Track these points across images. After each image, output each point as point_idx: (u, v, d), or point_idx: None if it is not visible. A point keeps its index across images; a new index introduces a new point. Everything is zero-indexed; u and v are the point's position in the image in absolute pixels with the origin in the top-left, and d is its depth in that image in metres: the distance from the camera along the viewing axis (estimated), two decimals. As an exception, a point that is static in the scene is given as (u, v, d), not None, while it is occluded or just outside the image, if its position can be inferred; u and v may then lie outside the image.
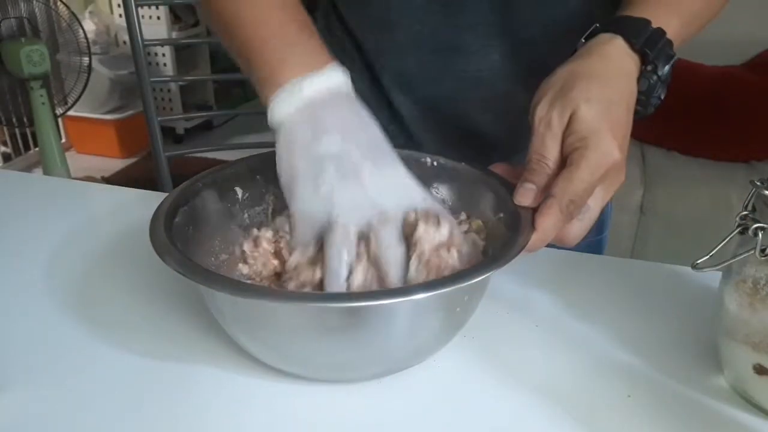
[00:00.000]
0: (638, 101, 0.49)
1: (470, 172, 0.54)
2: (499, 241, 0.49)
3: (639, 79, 0.49)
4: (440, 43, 0.63)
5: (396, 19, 0.63)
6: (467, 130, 0.67)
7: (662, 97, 0.50)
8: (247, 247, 0.51)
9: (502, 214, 0.49)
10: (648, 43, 0.49)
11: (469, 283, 0.39)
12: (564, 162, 0.45)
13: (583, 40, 0.51)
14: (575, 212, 0.45)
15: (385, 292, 0.42)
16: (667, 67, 0.49)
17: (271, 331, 0.42)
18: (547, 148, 0.46)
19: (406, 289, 0.41)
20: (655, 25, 0.49)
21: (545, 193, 0.45)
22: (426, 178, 0.53)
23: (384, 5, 0.63)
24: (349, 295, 0.42)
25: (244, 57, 0.51)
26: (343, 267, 0.43)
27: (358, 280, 0.43)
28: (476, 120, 0.67)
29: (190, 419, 0.42)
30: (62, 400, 0.43)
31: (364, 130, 0.48)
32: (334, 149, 0.46)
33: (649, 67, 0.49)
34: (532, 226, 0.44)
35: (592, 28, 0.52)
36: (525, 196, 0.46)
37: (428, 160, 0.56)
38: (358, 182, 0.46)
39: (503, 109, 0.66)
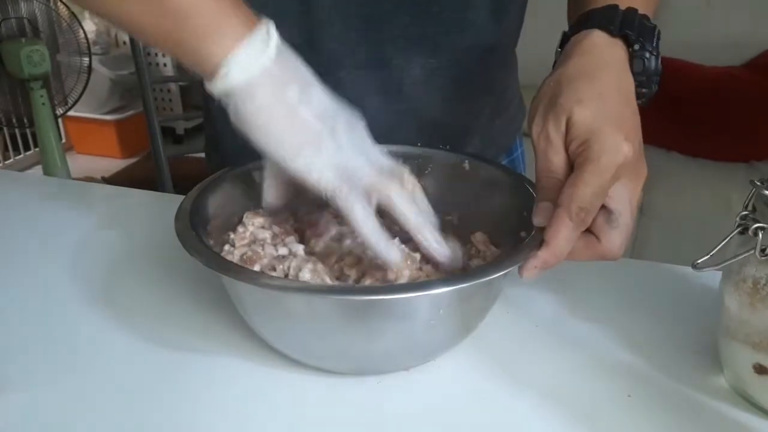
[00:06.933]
0: (640, 83, 0.47)
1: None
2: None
3: (632, 63, 0.47)
4: (360, 59, 0.60)
5: (312, 39, 0.59)
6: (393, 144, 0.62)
7: (660, 71, 0.48)
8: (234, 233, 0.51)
9: (524, 233, 0.48)
10: (625, 24, 0.47)
11: (469, 285, 0.40)
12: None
13: (559, 49, 0.50)
14: (587, 219, 0.42)
15: (399, 286, 0.43)
16: (655, 40, 0.48)
17: (290, 323, 0.43)
18: (552, 162, 0.44)
19: (424, 284, 0.42)
20: (622, 7, 0.48)
21: None
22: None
23: (298, 26, 0.58)
24: (365, 289, 0.43)
25: (159, 12, 0.41)
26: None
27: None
28: (401, 134, 0.62)
29: (209, 409, 0.43)
30: (85, 392, 0.44)
31: (319, 82, 0.46)
32: (330, 104, 0.44)
33: (636, 47, 0.47)
34: (541, 242, 0.42)
35: (561, 35, 0.50)
36: (543, 216, 0.43)
37: (467, 164, 0.56)
38: (363, 136, 0.45)
39: (423, 121, 0.63)
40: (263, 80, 0.41)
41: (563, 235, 0.42)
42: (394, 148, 0.56)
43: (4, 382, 0.44)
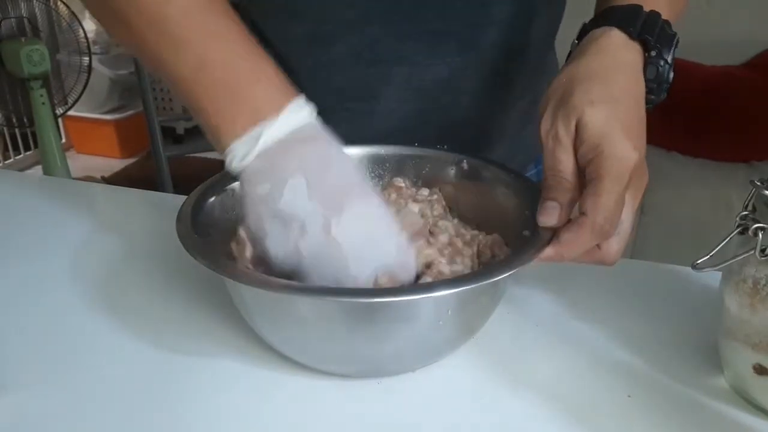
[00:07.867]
0: (650, 90, 0.47)
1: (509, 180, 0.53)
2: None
3: (645, 67, 0.47)
4: (380, 54, 0.58)
5: (329, 31, 0.58)
6: (409, 144, 0.59)
7: (671, 80, 0.48)
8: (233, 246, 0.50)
9: (527, 232, 0.47)
10: (645, 28, 0.46)
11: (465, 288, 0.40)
12: (582, 173, 0.43)
13: (576, 41, 0.49)
14: (611, 231, 0.42)
15: (406, 289, 0.43)
16: (672, 49, 0.47)
17: (295, 325, 0.43)
18: (561, 161, 0.43)
19: (428, 285, 0.42)
20: (646, 9, 0.47)
21: (569, 209, 0.43)
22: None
23: (314, 18, 0.57)
24: (370, 292, 0.42)
25: (186, 88, 0.43)
26: None
27: None
28: (419, 133, 0.60)
29: (211, 412, 0.43)
30: (85, 393, 0.44)
31: (329, 169, 0.43)
32: (298, 203, 0.41)
33: (653, 53, 0.47)
34: (550, 240, 0.42)
35: (581, 27, 0.50)
36: (549, 216, 0.43)
37: (465, 164, 0.55)
38: (328, 237, 0.42)
39: (448, 121, 0.62)
40: (246, 172, 0.43)
41: (579, 241, 0.42)
42: (393, 149, 0.56)
43: (4, 382, 0.44)
